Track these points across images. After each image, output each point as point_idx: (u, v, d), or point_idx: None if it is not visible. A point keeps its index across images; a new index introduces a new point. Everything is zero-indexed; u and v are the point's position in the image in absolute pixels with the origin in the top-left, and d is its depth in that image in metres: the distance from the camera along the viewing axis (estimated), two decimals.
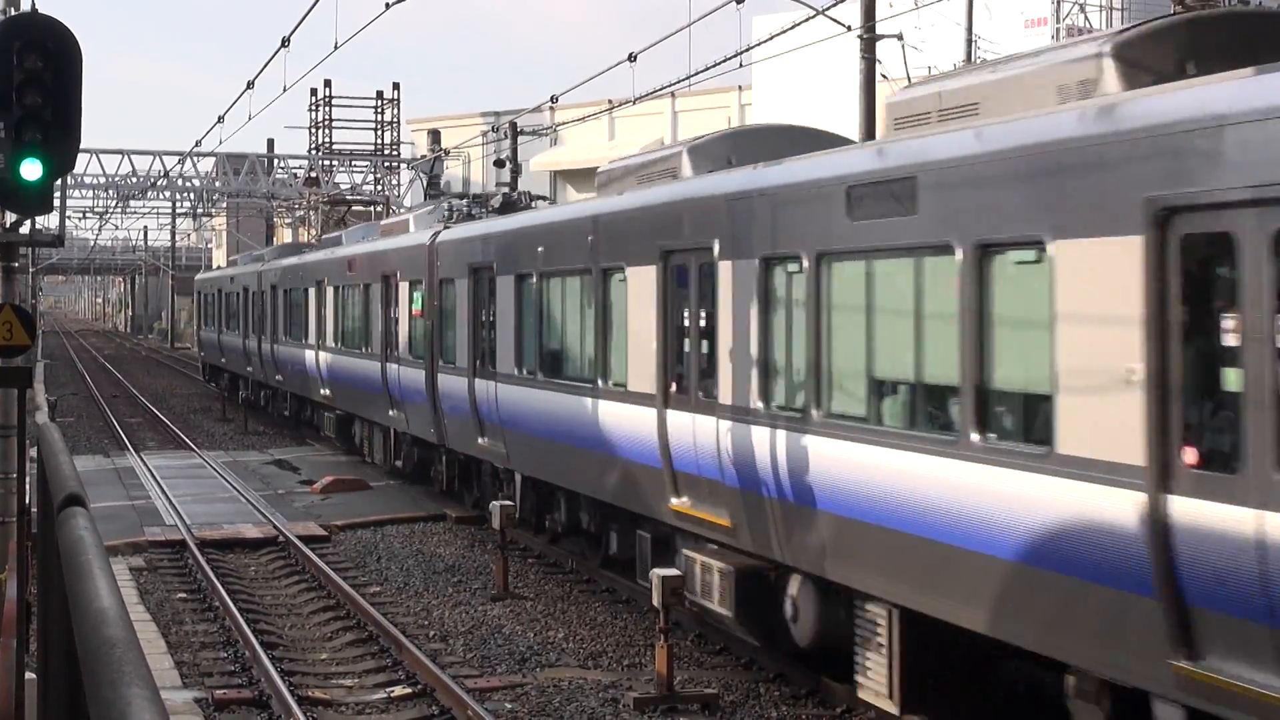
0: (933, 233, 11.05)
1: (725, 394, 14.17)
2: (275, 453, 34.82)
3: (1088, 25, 39.84)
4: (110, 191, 68.60)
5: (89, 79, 12.44)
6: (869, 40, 26.22)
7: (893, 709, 12.04)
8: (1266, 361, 8.34)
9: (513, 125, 39.99)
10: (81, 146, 13.16)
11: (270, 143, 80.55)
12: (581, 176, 59.75)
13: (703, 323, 14.94)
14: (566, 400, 18.35)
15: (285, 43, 27.91)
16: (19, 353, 15.42)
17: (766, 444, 13.42)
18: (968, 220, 10.66)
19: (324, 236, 40.72)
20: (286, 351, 38.04)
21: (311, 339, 34.52)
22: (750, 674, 14.78)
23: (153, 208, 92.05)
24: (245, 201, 78.47)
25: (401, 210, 52.46)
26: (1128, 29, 10.53)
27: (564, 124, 43.99)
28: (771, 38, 25.27)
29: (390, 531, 23.51)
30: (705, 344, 14.87)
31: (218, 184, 69.19)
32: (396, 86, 79.43)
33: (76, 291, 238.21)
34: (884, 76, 26.44)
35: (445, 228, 25.07)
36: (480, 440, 21.88)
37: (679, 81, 28.85)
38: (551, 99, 33.55)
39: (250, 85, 32.82)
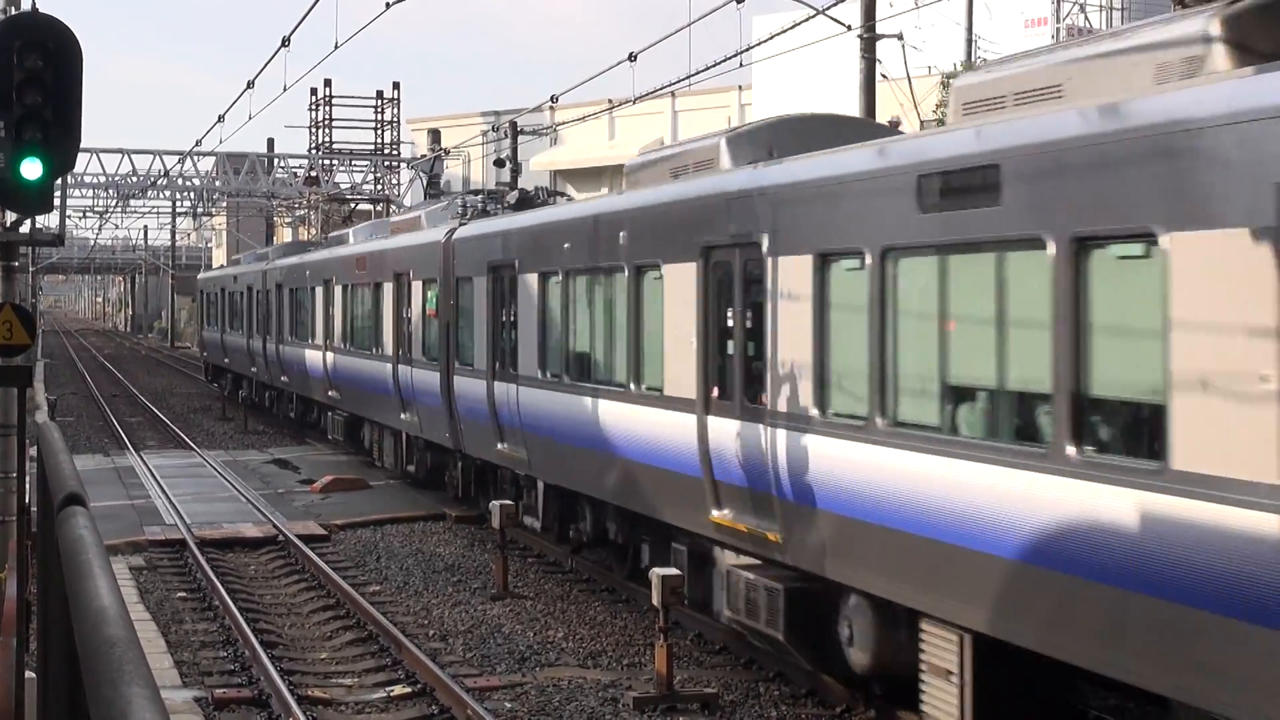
0: (1020, 225, 10.13)
1: (775, 400, 13.24)
2: (275, 452, 34.81)
3: (1088, 25, 39.84)
4: (110, 191, 68.59)
5: (89, 78, 12.45)
6: (869, 40, 26.23)
7: None
8: None
9: (513, 125, 40.00)
10: (82, 146, 13.16)
11: (270, 142, 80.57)
12: (581, 176, 59.75)
13: (749, 323, 14.00)
14: (595, 405, 17.41)
15: (285, 42, 27.92)
16: (19, 352, 15.42)
17: (822, 454, 12.50)
18: (1062, 211, 9.71)
19: (330, 234, 39.55)
20: (292, 352, 37.21)
21: (319, 339, 33.75)
22: (750, 673, 14.78)
23: (153, 207, 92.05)
24: (245, 201, 78.45)
25: (403, 209, 52.44)
26: (1233, 3, 9.56)
27: (564, 124, 43.97)
28: (772, 37, 25.27)
29: (390, 531, 23.51)
30: (752, 346, 13.92)
31: (218, 183, 69.16)
32: (396, 86, 79.48)
33: (76, 291, 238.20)
34: (884, 76, 26.47)
35: (461, 224, 24.19)
36: (499, 445, 20.98)
37: (679, 81, 28.87)
38: (551, 98, 33.57)
39: (250, 85, 32.85)
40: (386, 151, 76.24)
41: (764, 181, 13.69)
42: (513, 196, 24.75)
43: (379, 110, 78.84)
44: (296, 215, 75.88)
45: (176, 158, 63.79)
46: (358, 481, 28.31)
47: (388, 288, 27.36)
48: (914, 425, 11.42)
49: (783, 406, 13.12)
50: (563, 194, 25.77)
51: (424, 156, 61.00)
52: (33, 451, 16.16)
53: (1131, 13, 39.68)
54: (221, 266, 67.33)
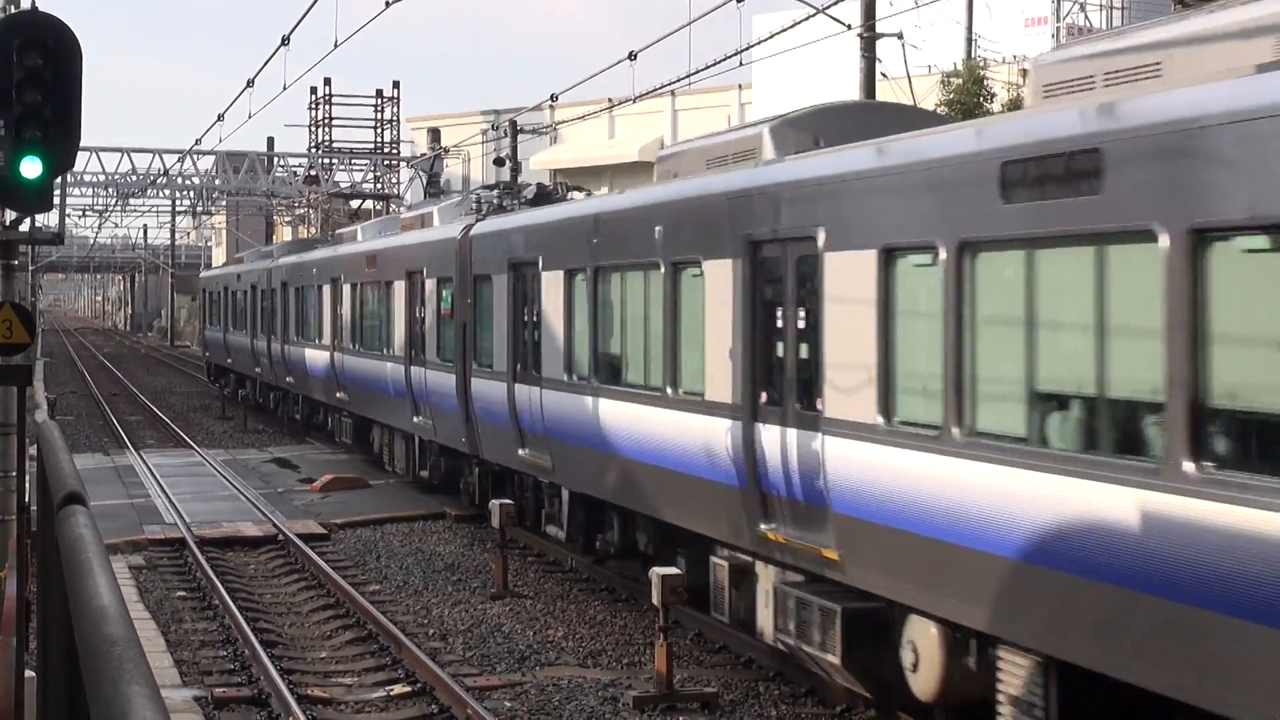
0: (1125, 216, 9.16)
1: (833, 406, 12.25)
2: (275, 451, 34.81)
3: (1088, 24, 39.85)
4: (110, 190, 68.63)
5: (89, 77, 12.45)
6: (869, 39, 26.23)
7: None
8: None
9: (512, 124, 40.01)
10: (81, 144, 13.17)
11: (270, 141, 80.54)
12: (581, 175, 59.74)
13: (801, 323, 13.00)
14: (627, 410, 16.47)
15: (285, 41, 27.95)
16: (19, 350, 15.42)
17: (887, 466, 11.51)
18: (1178, 200, 8.80)
19: (337, 231, 38.41)
20: (298, 352, 36.21)
21: (326, 339, 32.74)
22: (750, 672, 14.78)
23: (152, 206, 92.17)
24: (245, 200, 78.46)
25: (404, 207, 52.44)
26: None
27: (564, 122, 43.98)
28: (772, 36, 25.28)
29: (390, 530, 23.50)
30: (805, 348, 12.93)
31: (217, 182, 69.18)
32: (396, 85, 79.46)
33: (76, 289, 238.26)
34: (884, 75, 26.47)
35: (478, 220, 23.13)
36: (521, 452, 20.01)
37: (679, 80, 28.87)
38: (551, 97, 33.59)
39: (250, 83, 32.89)
40: (386, 150, 76.25)
41: (821, 171, 12.75)
42: (530, 191, 23.84)
43: (379, 109, 78.84)
44: (296, 214, 75.88)
45: (176, 156, 63.87)
46: (357, 480, 28.30)
47: (399, 286, 26.46)
48: (997, 436, 10.42)
49: (841, 414, 12.15)
50: (582, 188, 24.76)
51: (424, 155, 61.01)
52: (32, 450, 16.15)
53: (1132, 12, 39.69)
54: (224, 265, 67.17)
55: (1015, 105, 28.95)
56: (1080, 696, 9.96)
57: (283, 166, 70.15)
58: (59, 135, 12.37)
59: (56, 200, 15.10)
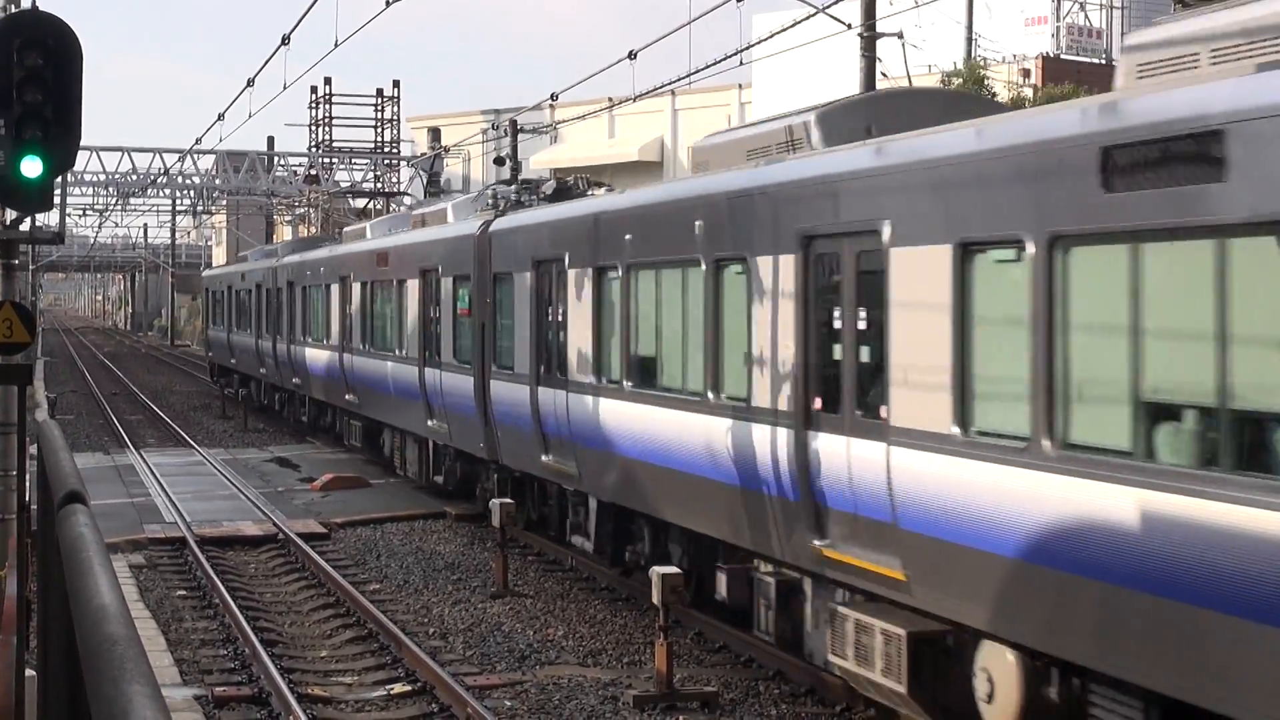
0: (1254, 206, 8.32)
1: (900, 415, 11.37)
2: (275, 450, 34.81)
3: (1088, 24, 39.86)
4: (110, 189, 68.64)
5: (89, 76, 12.46)
6: (869, 38, 26.23)
7: None
8: None
9: (513, 123, 40.00)
10: (81, 144, 13.17)
11: (270, 140, 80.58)
12: (581, 174, 59.75)
13: (862, 324, 12.09)
14: (663, 415, 15.58)
15: (285, 40, 27.93)
16: (19, 350, 15.43)
17: (964, 480, 10.62)
18: None
19: (345, 229, 37.52)
20: (305, 353, 35.31)
21: (335, 339, 31.89)
22: (750, 671, 14.78)
23: (153, 205, 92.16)
24: (245, 199, 78.46)
25: (403, 207, 52.41)
26: None
27: (564, 122, 43.98)
28: (772, 35, 25.29)
29: (390, 529, 23.51)
30: (866, 351, 12.05)
31: (218, 181, 69.22)
32: (396, 84, 79.48)
33: (76, 289, 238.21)
34: (884, 75, 26.47)
35: (498, 215, 22.20)
36: (544, 458, 19.17)
37: (679, 79, 28.88)
38: (551, 96, 33.58)
39: (250, 83, 32.86)
40: (386, 150, 76.26)
41: (887, 160, 11.85)
42: (549, 187, 22.95)
43: (379, 108, 78.86)
44: (296, 214, 75.88)
45: (176, 156, 63.89)
46: (357, 480, 28.30)
47: (412, 285, 25.58)
48: (1097, 450, 9.51)
49: (910, 423, 11.26)
50: (604, 184, 24.04)
51: (424, 155, 61.00)
52: (33, 449, 16.16)
53: (1133, 11, 39.71)
54: (228, 263, 67.00)
55: (1017, 105, 28.94)
56: None
57: (283, 166, 70.18)
58: (59, 135, 12.38)
59: (57, 199, 15.10)
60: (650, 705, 13.51)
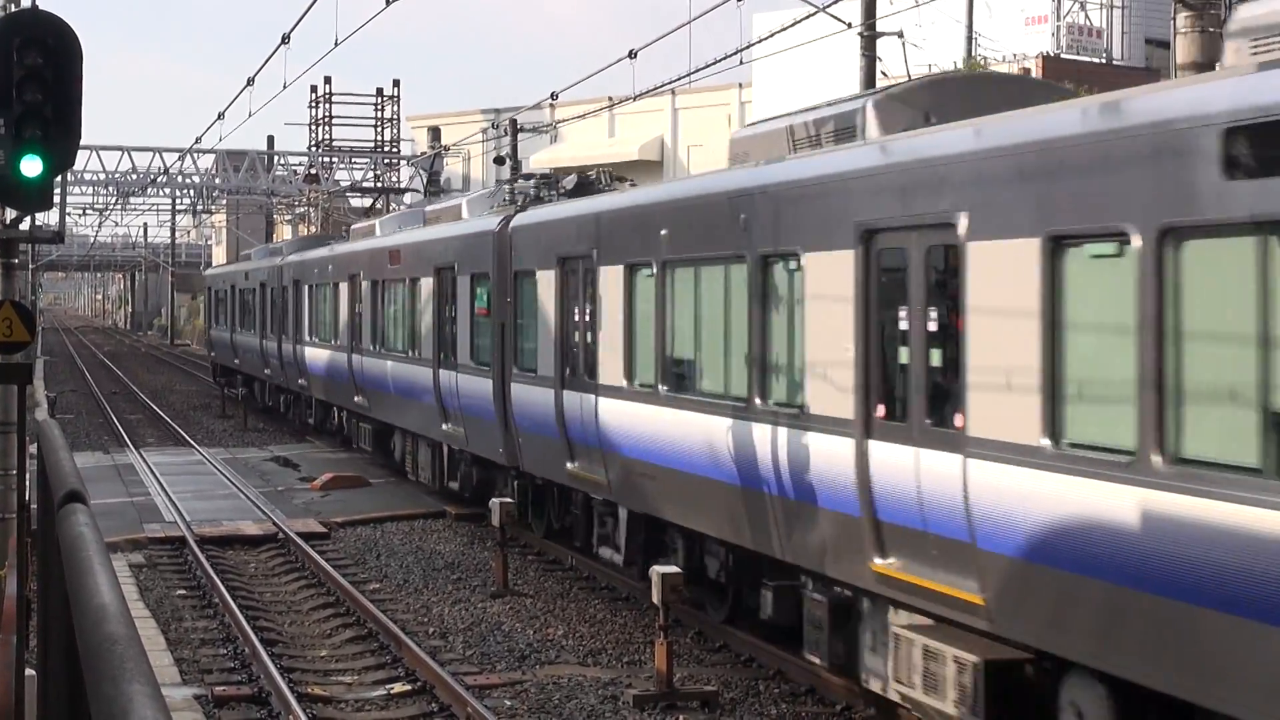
0: None
1: (979, 424, 10.45)
2: (275, 449, 34.81)
3: (1089, 23, 39.86)
4: (110, 188, 68.68)
5: (89, 75, 12.46)
6: (869, 38, 26.24)
7: None
8: None
9: (513, 122, 40.02)
10: (81, 143, 13.17)
11: (270, 139, 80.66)
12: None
13: (932, 325, 11.20)
14: (703, 422, 14.67)
15: (285, 39, 27.93)
16: (19, 349, 15.43)
17: (1057, 497, 9.69)
18: None
19: (353, 226, 36.57)
20: (312, 353, 34.39)
21: (343, 340, 30.89)
22: (750, 671, 14.78)
23: (153, 204, 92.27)
24: (245, 198, 78.50)
25: (403, 206, 52.42)
26: None
27: (564, 121, 43.99)
28: (772, 35, 25.29)
29: (390, 528, 23.51)
30: (937, 354, 11.15)
31: (218, 181, 69.25)
32: (396, 83, 79.52)
33: (76, 288, 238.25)
34: (884, 74, 26.46)
35: (518, 211, 21.22)
36: (570, 465, 18.31)
37: (679, 79, 28.88)
38: (551, 95, 33.59)
39: (250, 82, 32.87)
40: (386, 149, 76.29)
41: (964, 146, 10.88)
42: (570, 181, 21.94)
43: (379, 107, 78.89)
44: (296, 213, 75.92)
45: (176, 155, 63.94)
46: (357, 479, 28.29)
47: (426, 283, 24.67)
48: (1215, 465, 8.63)
49: (990, 433, 10.31)
50: (627, 179, 23.17)
51: (424, 154, 61.01)
52: (33, 449, 16.17)
53: (1133, 10, 39.72)
54: (231, 262, 66.82)
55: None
56: None
57: (283, 165, 70.23)
58: (59, 134, 12.38)
59: (56, 199, 15.10)
60: (650, 704, 13.50)
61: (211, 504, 25.88)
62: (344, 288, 31.15)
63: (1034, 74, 38.02)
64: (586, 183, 21.52)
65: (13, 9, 17.01)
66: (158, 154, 64.62)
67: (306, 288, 35.52)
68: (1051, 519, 9.75)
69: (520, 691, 14.02)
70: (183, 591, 18.98)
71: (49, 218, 16.91)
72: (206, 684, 14.39)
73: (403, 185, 66.76)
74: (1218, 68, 9.98)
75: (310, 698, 13.84)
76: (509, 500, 19.30)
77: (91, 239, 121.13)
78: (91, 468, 29.55)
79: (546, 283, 19.11)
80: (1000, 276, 10.32)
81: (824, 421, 12.44)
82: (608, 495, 17.53)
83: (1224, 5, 18.84)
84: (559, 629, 16.61)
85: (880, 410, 11.77)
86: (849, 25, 26.16)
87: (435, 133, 67.82)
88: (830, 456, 12.31)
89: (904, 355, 11.52)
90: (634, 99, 32.23)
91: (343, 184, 67.36)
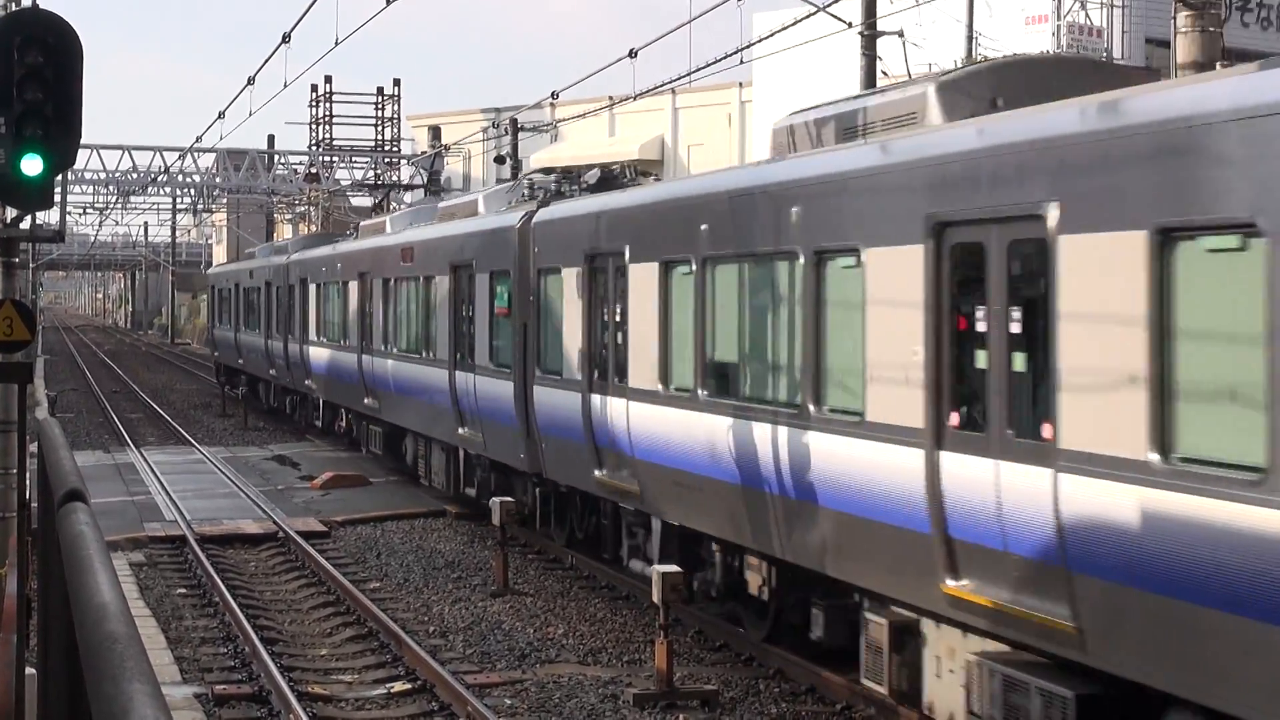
0: None
1: (1072, 435, 9.54)
2: (275, 448, 34.81)
3: (1089, 22, 39.84)
4: (111, 187, 68.62)
5: (89, 74, 12.45)
6: (870, 37, 26.24)
7: None
8: None
9: (513, 121, 40.04)
10: (82, 142, 13.17)
11: (271, 138, 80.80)
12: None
13: (1015, 326, 10.28)
14: (748, 429, 13.82)
15: (286, 39, 27.93)
16: (19, 348, 15.44)
17: (1170, 518, 8.82)
18: None
19: (361, 223, 35.75)
20: (320, 354, 33.65)
21: (352, 340, 30.05)
22: (750, 670, 14.78)
23: (153, 203, 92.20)
24: (246, 197, 78.48)
25: (402, 205, 52.39)
26: None
27: (564, 120, 44.01)
28: (772, 34, 25.30)
29: (390, 527, 23.51)
30: (1022, 359, 10.25)
31: (218, 180, 69.21)
32: (397, 83, 79.54)
33: (77, 287, 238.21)
34: (884, 74, 26.47)
35: (540, 206, 20.27)
36: (597, 473, 17.49)
37: (680, 78, 28.89)
38: (552, 95, 33.62)
39: (251, 81, 32.90)
40: (387, 148, 76.29)
41: (1057, 129, 9.94)
42: (592, 176, 21.02)
43: (379, 107, 78.90)
44: (297, 212, 75.93)
45: (177, 154, 63.90)
46: (358, 478, 28.30)
47: (441, 282, 23.83)
48: None
49: (1085, 445, 9.43)
50: (651, 173, 22.20)
51: (424, 153, 61.00)
52: (33, 447, 16.18)
53: (1133, 10, 39.71)
54: (236, 260, 66.65)
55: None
56: None
57: (283, 164, 70.18)
58: (60, 133, 12.38)
59: (57, 198, 15.10)
60: (650, 704, 13.51)
61: (212, 503, 25.88)
62: (353, 286, 30.30)
63: None
64: (609, 177, 20.85)
65: (13, 8, 17.01)
66: (158, 153, 64.59)
67: (314, 286, 34.74)
68: (1162, 542, 8.87)
69: (520, 690, 14.03)
70: (183, 590, 18.99)
71: (49, 217, 16.88)
72: (207, 683, 14.39)
73: (404, 183, 66.88)
74: None
75: (310, 696, 13.85)
76: (509, 500, 19.26)
77: (92, 238, 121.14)
78: (92, 466, 29.56)
79: (572, 281, 18.27)
80: (1100, 273, 9.38)
81: (888, 430, 11.54)
82: (639, 505, 16.71)
83: (1224, 5, 18.85)
84: (559, 628, 16.61)
85: (954, 419, 10.89)
86: (849, 25, 26.16)
87: (435, 132, 67.70)
88: (895, 468, 11.41)
89: (981, 359, 10.62)
90: (634, 98, 32.24)
91: (343, 183, 67.35)
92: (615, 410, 16.85)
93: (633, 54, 28.53)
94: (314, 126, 79.71)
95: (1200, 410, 8.80)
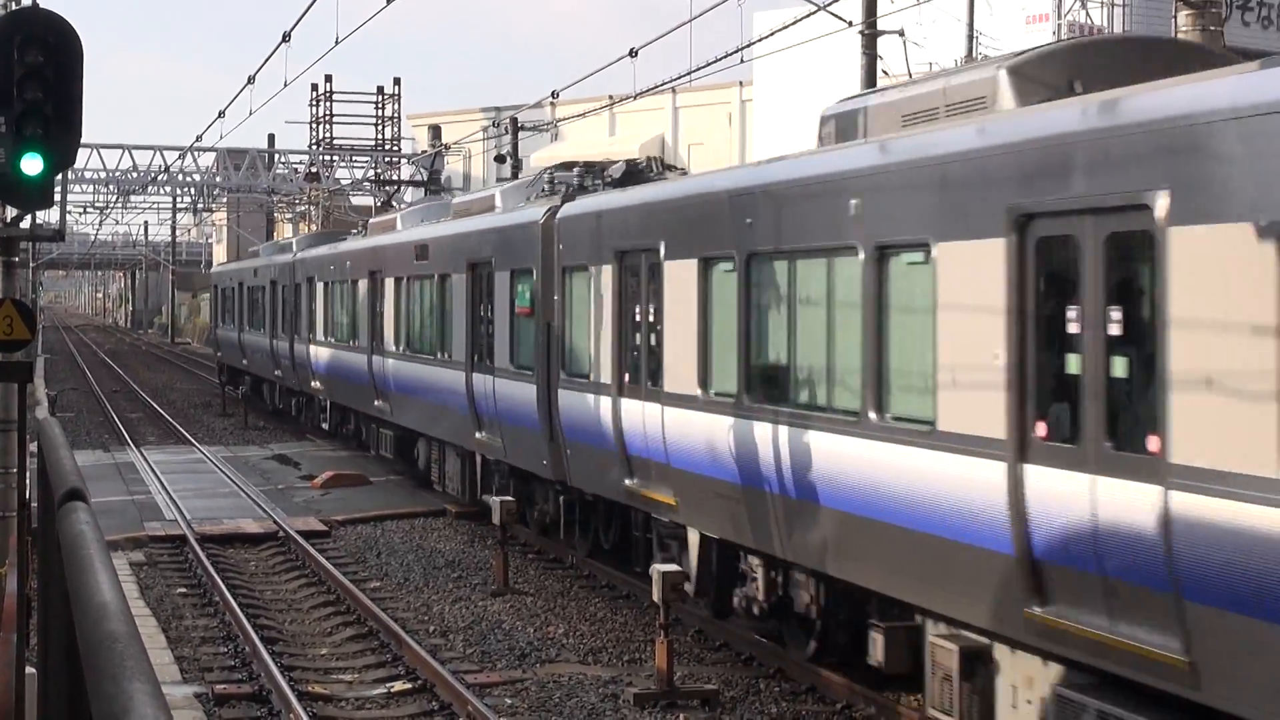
0: None
1: (1186, 449, 8.61)
2: (275, 448, 34.81)
3: (1089, 21, 39.84)
4: (111, 186, 68.66)
5: (90, 73, 12.45)
6: (870, 36, 26.24)
7: None
8: None
9: (513, 120, 40.05)
10: (82, 141, 13.17)
11: (271, 138, 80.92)
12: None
13: (1115, 328, 9.33)
14: (800, 438, 12.89)
15: (286, 38, 27.94)
16: (19, 347, 15.43)
17: None
18: None
19: (370, 221, 34.79)
20: (327, 354, 32.82)
21: (362, 340, 29.21)
22: (750, 669, 14.77)
23: (153, 203, 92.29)
24: (246, 197, 78.52)
25: (402, 205, 52.38)
26: None
27: (564, 119, 44.01)
28: (773, 33, 25.30)
29: (390, 526, 23.51)
30: (1122, 364, 9.36)
31: (218, 179, 69.24)
32: (397, 82, 79.63)
33: (77, 287, 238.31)
34: (885, 73, 26.47)
35: (564, 201, 19.23)
36: (628, 481, 16.60)
37: (680, 77, 28.91)
38: (552, 94, 33.62)
39: (251, 80, 32.92)
40: (387, 147, 76.32)
41: (1159, 112, 8.99)
42: (617, 169, 20.07)
43: (379, 106, 78.95)
44: (297, 211, 75.96)
45: (177, 153, 63.97)
46: (358, 477, 28.30)
47: (458, 280, 22.89)
48: None
49: (1203, 460, 8.50)
50: (676, 167, 21.58)
51: (424, 152, 61.01)
52: (33, 447, 16.17)
53: (1133, 9, 39.71)
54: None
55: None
56: None
57: (283, 163, 70.21)
58: (60, 132, 12.37)
59: (57, 197, 15.10)
60: (651, 703, 13.50)
61: (212, 502, 25.88)
62: (363, 285, 29.39)
63: None
64: (635, 170, 19.79)
65: (14, 7, 17.00)
66: (158, 152, 64.64)
67: (321, 285, 33.85)
68: None
69: (520, 690, 14.03)
70: (183, 590, 18.98)
71: (50, 216, 16.88)
72: (207, 682, 14.39)
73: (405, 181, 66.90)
74: None
75: (311, 696, 13.84)
76: (510, 499, 19.23)
77: (92, 237, 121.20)
78: (92, 466, 29.56)
79: (602, 279, 17.28)
80: (1217, 270, 8.44)
81: (962, 440, 10.61)
82: (674, 516, 15.76)
83: (1225, 4, 18.84)
84: (559, 627, 16.61)
85: (1040, 429, 9.94)
86: (850, 24, 26.16)
87: (436, 131, 67.72)
88: (970, 482, 10.49)
89: (1074, 364, 9.67)
90: (634, 97, 32.25)
91: (344, 182, 67.38)
92: (648, 416, 15.96)
93: (633, 53, 28.54)
94: (314, 126, 79.78)
95: None
